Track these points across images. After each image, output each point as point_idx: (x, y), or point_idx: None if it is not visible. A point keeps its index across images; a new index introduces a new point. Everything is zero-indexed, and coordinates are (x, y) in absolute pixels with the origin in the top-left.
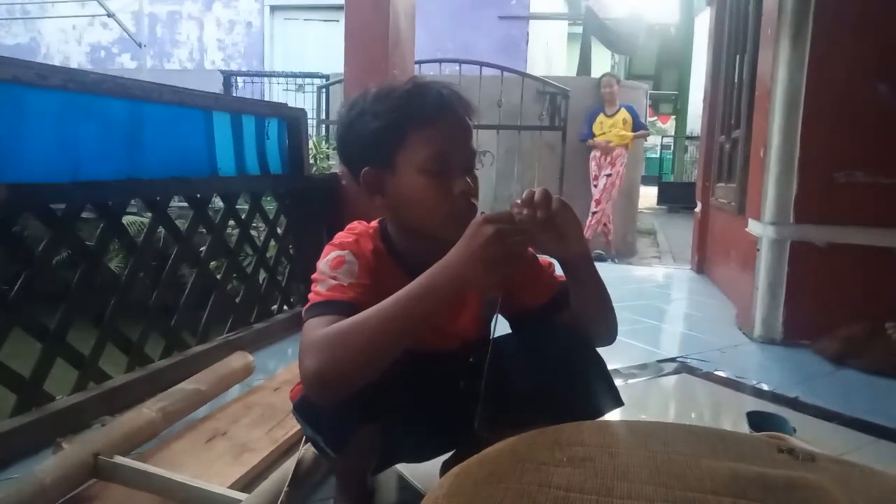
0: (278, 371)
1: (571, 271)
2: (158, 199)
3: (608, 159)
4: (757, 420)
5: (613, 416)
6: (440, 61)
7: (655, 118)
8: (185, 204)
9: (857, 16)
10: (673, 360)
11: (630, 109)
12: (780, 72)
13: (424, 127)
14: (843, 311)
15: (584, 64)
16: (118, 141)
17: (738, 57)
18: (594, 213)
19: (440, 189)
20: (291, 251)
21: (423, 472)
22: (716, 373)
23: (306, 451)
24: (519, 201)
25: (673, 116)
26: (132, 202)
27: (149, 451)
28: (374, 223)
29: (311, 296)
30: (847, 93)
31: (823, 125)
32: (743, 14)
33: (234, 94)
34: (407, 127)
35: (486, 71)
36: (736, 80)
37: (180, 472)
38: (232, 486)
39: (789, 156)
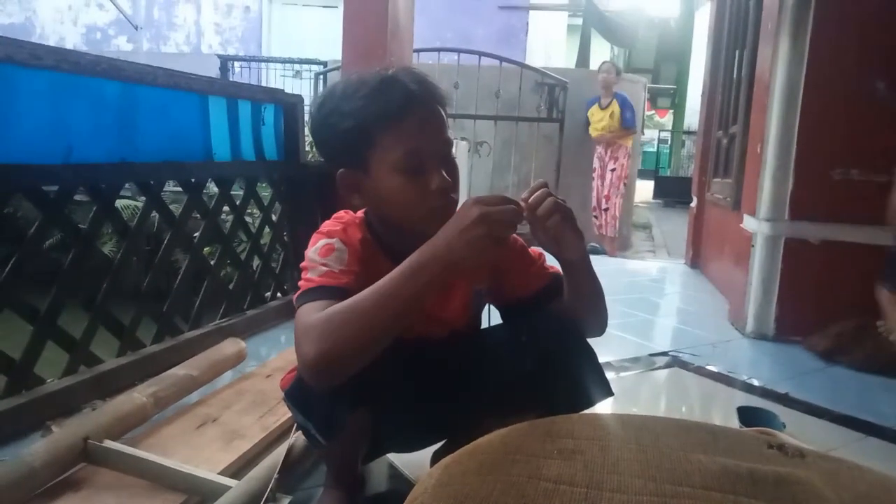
0: (271, 358)
1: (567, 270)
2: (152, 182)
3: (609, 153)
4: (747, 415)
5: (604, 407)
6: (439, 50)
7: (653, 112)
8: (180, 189)
9: (857, 13)
10: (665, 353)
11: (622, 102)
12: (779, 68)
13: (393, 126)
14: (835, 309)
15: (584, 56)
16: (112, 123)
17: (737, 52)
18: (606, 209)
19: (416, 187)
20: (286, 238)
21: (414, 462)
22: (707, 367)
23: (297, 438)
24: (525, 195)
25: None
26: (126, 186)
27: (139, 436)
28: (361, 213)
29: (301, 283)
30: (845, 90)
31: (821, 122)
32: (743, 9)
33: (231, 79)
34: (375, 127)
35: (485, 61)
36: (735, 76)
37: (170, 457)
38: (222, 472)
39: (786, 152)
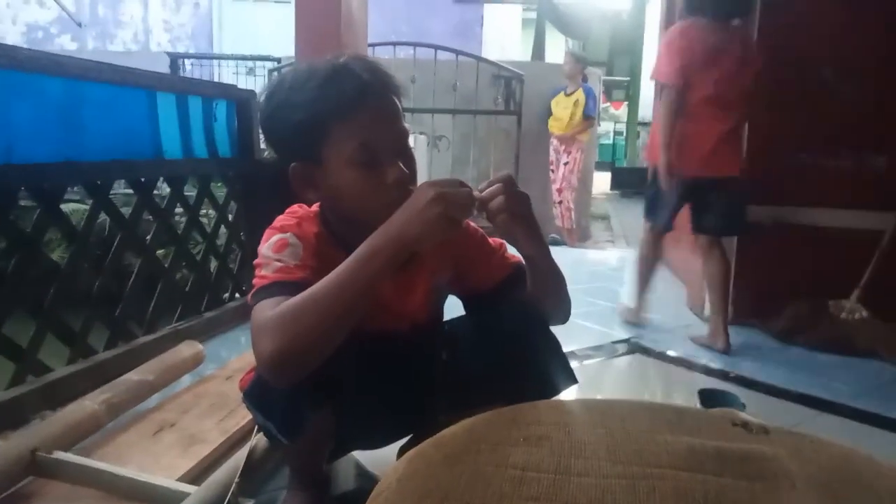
0: (231, 360)
1: (528, 262)
2: (99, 182)
3: (563, 147)
4: (708, 397)
5: (568, 395)
6: (394, 44)
7: (608, 104)
8: (131, 191)
9: (802, 4)
10: (626, 341)
11: (588, 93)
12: None
13: (346, 117)
14: (789, 290)
15: (539, 49)
16: (55, 122)
17: None
18: (559, 202)
19: (372, 180)
20: (242, 237)
21: (381, 459)
22: (668, 353)
23: (258, 440)
24: (482, 185)
25: (625, 102)
26: (75, 189)
27: (92, 445)
28: (315, 207)
29: (255, 280)
30: (793, 77)
31: (771, 110)
32: None
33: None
34: (327, 119)
35: (441, 55)
36: None
37: (126, 465)
38: (181, 479)
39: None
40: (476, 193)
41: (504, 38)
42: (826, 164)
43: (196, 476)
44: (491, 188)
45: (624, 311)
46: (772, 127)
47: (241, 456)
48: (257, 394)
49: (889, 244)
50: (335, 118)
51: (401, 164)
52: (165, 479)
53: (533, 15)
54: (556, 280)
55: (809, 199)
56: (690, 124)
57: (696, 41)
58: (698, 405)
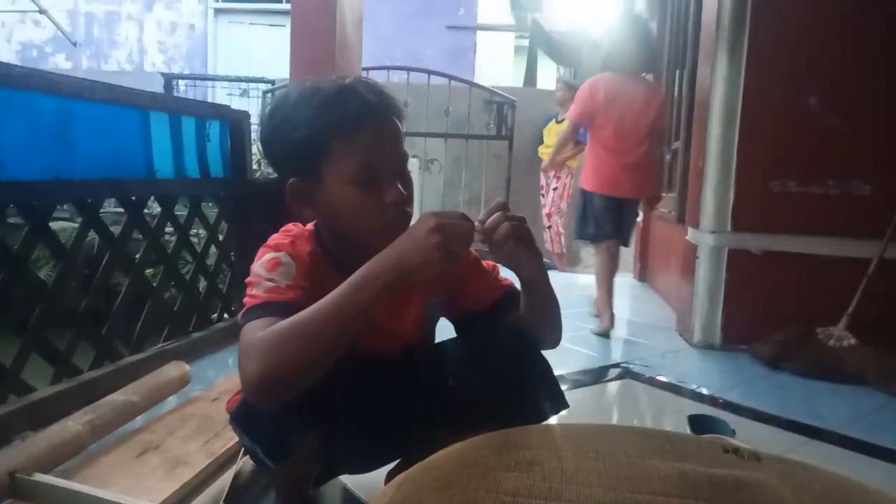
0: (218, 381)
1: (526, 287)
2: (90, 200)
3: (553, 172)
4: (698, 423)
5: (560, 419)
6: (388, 68)
7: None
8: (122, 209)
9: (790, 32)
10: (616, 365)
11: None
12: (717, 85)
13: (349, 137)
14: (778, 317)
15: (531, 75)
16: (46, 139)
17: (677, 71)
18: (548, 227)
19: (370, 199)
20: (233, 257)
21: (368, 483)
22: (657, 378)
23: (244, 463)
24: (482, 216)
25: None
26: (65, 207)
27: (75, 468)
28: (310, 225)
29: (246, 300)
30: (781, 106)
31: (759, 137)
32: (682, 29)
33: None
34: (330, 137)
35: (434, 79)
36: (676, 94)
37: (108, 488)
38: (164, 503)
39: (727, 166)
40: (478, 226)
41: (496, 65)
42: (814, 193)
43: (180, 500)
44: (492, 218)
45: (597, 326)
46: (758, 156)
47: (226, 479)
48: (244, 416)
49: (876, 272)
50: (338, 136)
51: (399, 186)
52: (148, 502)
53: (525, 42)
54: (551, 305)
55: (798, 228)
56: (599, 156)
57: (601, 91)
58: (688, 431)
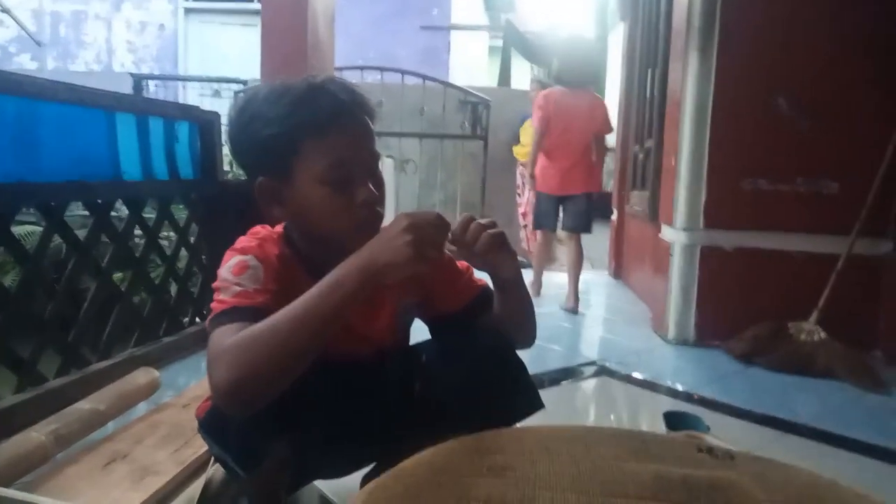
0: (189, 386)
1: (500, 288)
2: (54, 204)
3: (530, 171)
4: (673, 420)
5: (535, 420)
6: (362, 68)
7: None
8: (88, 213)
9: (758, 33)
10: (592, 363)
11: None
12: (688, 85)
13: (319, 135)
14: (751, 312)
15: (505, 75)
16: (8, 141)
17: (649, 70)
18: (524, 225)
19: (341, 199)
20: (204, 260)
21: (344, 488)
22: (633, 375)
23: (215, 471)
24: (457, 231)
25: None
26: (31, 211)
27: (38, 479)
28: (279, 227)
29: (214, 305)
30: (751, 105)
31: (729, 135)
32: (654, 30)
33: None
34: (301, 136)
35: (409, 79)
36: (648, 93)
37: (74, 500)
38: None
39: (698, 165)
40: (451, 237)
41: (471, 65)
42: (784, 191)
43: None
44: (470, 228)
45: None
46: (729, 154)
47: (196, 488)
48: (214, 423)
49: (844, 267)
50: (308, 135)
51: (371, 186)
52: None
53: (499, 42)
54: (526, 303)
55: (769, 225)
56: (547, 159)
57: (551, 102)
58: (664, 427)
